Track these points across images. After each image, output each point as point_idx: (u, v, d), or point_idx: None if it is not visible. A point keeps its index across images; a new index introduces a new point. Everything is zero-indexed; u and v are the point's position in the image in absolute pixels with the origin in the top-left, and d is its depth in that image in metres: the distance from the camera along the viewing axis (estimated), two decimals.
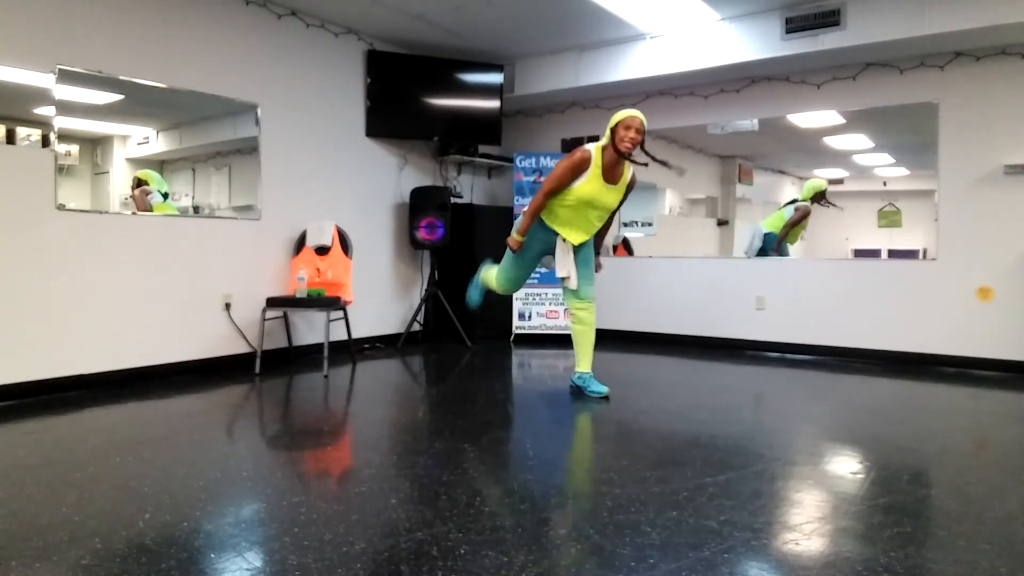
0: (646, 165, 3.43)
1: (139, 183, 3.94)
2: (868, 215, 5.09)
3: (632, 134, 3.21)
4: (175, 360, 4.06)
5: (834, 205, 5.21)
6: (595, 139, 6.16)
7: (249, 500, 2.06)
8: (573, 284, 3.47)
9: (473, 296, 4.07)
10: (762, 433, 2.89)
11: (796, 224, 5.35)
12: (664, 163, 3.46)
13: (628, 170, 3.43)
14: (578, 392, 3.61)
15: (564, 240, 3.45)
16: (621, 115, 3.27)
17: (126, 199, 3.86)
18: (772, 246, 5.41)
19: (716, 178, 5.94)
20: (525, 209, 3.42)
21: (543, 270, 5.40)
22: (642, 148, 3.34)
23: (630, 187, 3.48)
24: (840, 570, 1.62)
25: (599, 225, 3.51)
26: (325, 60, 4.95)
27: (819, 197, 5.33)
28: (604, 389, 3.53)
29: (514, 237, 3.43)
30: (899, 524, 1.90)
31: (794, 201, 5.41)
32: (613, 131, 3.28)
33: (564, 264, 3.45)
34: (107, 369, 3.75)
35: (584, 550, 1.72)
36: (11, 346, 3.37)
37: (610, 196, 3.39)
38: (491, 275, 3.81)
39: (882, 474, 2.35)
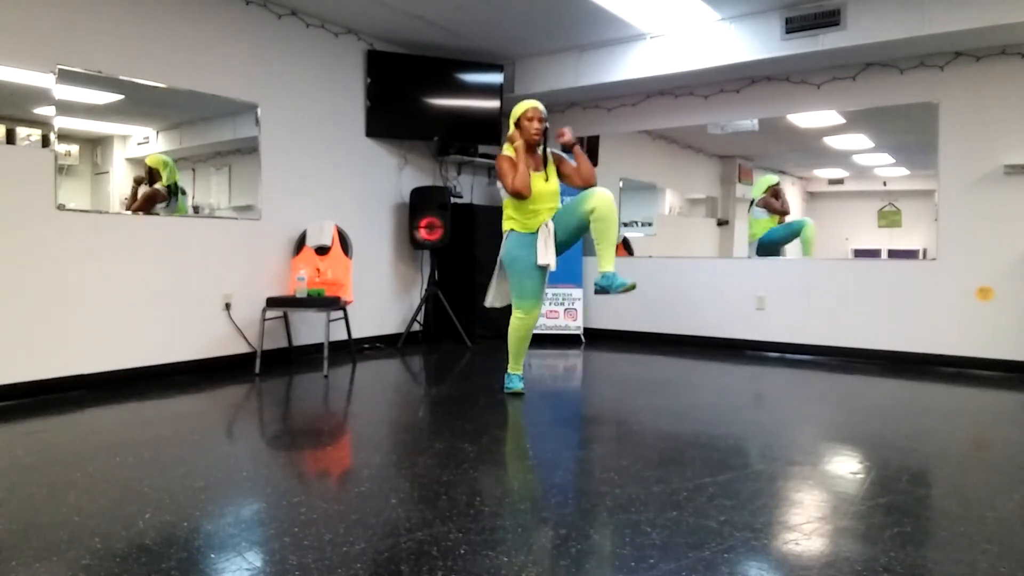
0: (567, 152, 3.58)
1: (149, 175, 3.92)
2: (868, 215, 5.09)
3: (536, 124, 3.40)
4: (175, 360, 4.06)
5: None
6: (595, 140, 6.16)
7: (249, 500, 2.06)
8: (553, 267, 3.40)
9: (513, 381, 3.65)
10: (762, 433, 2.89)
11: (778, 212, 5.40)
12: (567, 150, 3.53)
13: (548, 155, 3.53)
14: (603, 292, 3.35)
15: (545, 226, 3.40)
16: (521, 109, 3.43)
17: (124, 199, 3.86)
18: (774, 246, 5.42)
19: (716, 178, 5.94)
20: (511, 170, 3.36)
21: None
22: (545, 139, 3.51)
23: (560, 160, 3.55)
24: (840, 570, 1.62)
25: (558, 203, 3.51)
26: (325, 60, 4.95)
27: (774, 193, 5.38)
28: (629, 281, 3.29)
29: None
30: (899, 524, 1.90)
31: (752, 202, 5.52)
32: (519, 126, 3.42)
33: (545, 252, 3.40)
34: (107, 369, 3.75)
35: (584, 550, 1.72)
36: (11, 346, 3.37)
37: (548, 180, 3.46)
38: (512, 330, 3.57)
39: (882, 474, 2.35)
